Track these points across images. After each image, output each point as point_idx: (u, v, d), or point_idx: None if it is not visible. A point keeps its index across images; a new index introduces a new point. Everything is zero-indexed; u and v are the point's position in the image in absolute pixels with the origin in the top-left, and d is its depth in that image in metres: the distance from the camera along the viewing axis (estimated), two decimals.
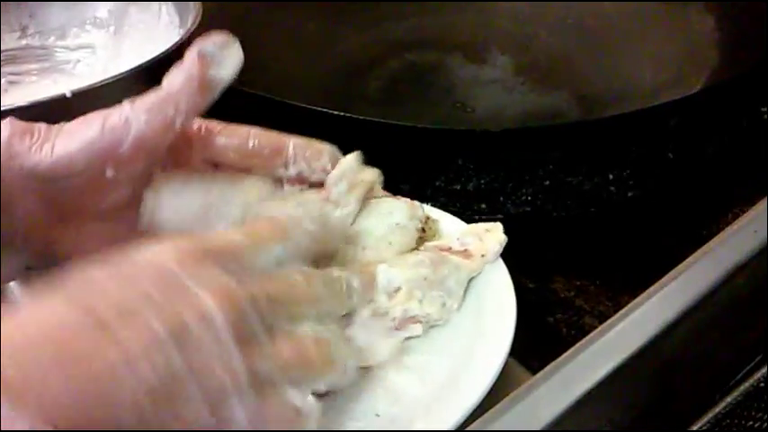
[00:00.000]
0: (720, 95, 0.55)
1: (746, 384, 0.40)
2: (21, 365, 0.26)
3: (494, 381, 0.37)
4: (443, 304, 0.40)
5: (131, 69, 0.47)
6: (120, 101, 0.41)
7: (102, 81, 0.46)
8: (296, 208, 0.40)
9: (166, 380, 0.28)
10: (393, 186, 0.47)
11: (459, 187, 0.55)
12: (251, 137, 0.40)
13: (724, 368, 0.44)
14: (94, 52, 0.60)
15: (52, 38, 0.61)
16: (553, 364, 0.37)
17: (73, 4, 0.60)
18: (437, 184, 0.55)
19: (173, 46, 0.50)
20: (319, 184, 0.41)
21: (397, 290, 0.40)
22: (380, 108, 0.66)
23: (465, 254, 0.43)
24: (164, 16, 0.57)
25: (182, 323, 0.29)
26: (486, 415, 0.35)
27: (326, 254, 0.40)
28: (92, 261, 0.30)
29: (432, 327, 0.40)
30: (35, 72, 0.60)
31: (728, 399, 0.40)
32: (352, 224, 0.42)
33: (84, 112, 0.37)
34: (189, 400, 0.29)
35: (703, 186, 0.56)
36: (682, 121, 0.54)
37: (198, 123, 0.39)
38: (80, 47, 0.60)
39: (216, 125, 0.40)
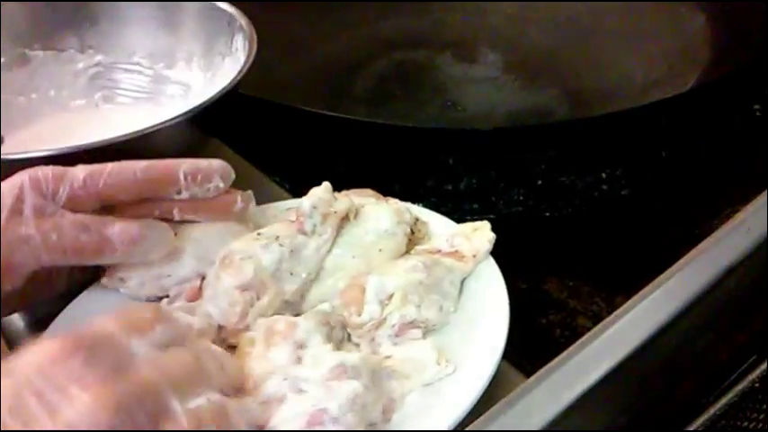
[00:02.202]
0: (713, 93, 0.55)
1: (742, 385, 0.40)
2: None
3: (487, 384, 0.36)
4: (440, 308, 0.40)
5: (181, 114, 0.47)
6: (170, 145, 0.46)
7: (160, 124, 0.46)
8: (259, 239, 0.41)
9: None
10: (383, 187, 0.47)
11: (450, 187, 0.54)
12: (138, 171, 0.41)
13: (719, 369, 0.43)
14: (188, 91, 0.58)
15: (161, 64, 0.59)
16: (546, 367, 0.36)
17: (197, 35, 0.58)
18: (428, 184, 0.55)
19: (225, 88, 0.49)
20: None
21: (390, 297, 0.39)
22: (369, 108, 0.65)
23: (456, 255, 0.42)
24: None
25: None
26: (480, 419, 0.34)
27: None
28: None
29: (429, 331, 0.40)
30: (132, 94, 0.59)
31: (724, 399, 0.40)
32: (328, 252, 0.42)
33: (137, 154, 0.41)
34: None
35: (696, 185, 0.55)
36: (674, 120, 0.53)
37: (83, 172, 0.40)
38: (179, 83, 0.58)
39: (100, 168, 0.40)
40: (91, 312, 0.42)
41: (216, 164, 0.42)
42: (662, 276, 0.41)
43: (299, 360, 0.37)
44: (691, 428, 0.38)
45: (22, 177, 0.39)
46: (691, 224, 0.51)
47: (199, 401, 0.31)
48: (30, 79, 0.58)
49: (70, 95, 0.59)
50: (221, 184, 0.42)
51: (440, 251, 0.43)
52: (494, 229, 0.44)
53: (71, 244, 0.39)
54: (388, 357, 0.38)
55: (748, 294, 0.43)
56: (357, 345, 0.40)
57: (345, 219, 0.43)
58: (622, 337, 0.38)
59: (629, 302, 0.39)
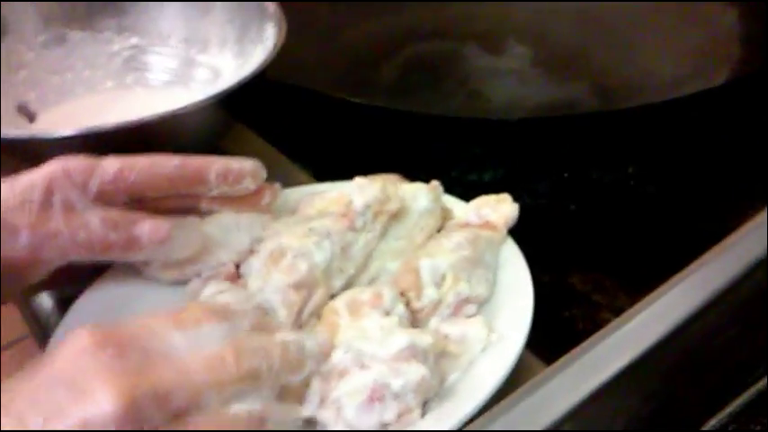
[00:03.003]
0: (743, 89, 0.54)
1: (765, 382, 0.39)
2: None
3: (510, 371, 0.36)
4: (487, 280, 0.40)
5: (210, 97, 0.47)
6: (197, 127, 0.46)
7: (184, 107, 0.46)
8: (311, 235, 0.40)
9: None
10: (408, 176, 0.47)
11: (475, 178, 0.54)
12: (169, 169, 0.40)
13: (741, 365, 0.43)
14: (218, 77, 0.58)
15: (195, 49, 0.59)
16: (568, 355, 0.36)
17: (231, 21, 0.58)
18: (452, 174, 0.55)
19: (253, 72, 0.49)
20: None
21: (443, 277, 0.39)
22: (393, 97, 0.65)
23: (487, 225, 0.42)
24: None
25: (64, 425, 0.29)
26: (501, 404, 0.34)
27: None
28: None
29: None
30: (163, 77, 0.60)
31: (745, 396, 0.39)
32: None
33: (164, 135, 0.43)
34: None
35: (724, 182, 0.55)
36: (703, 116, 0.53)
37: (113, 167, 0.40)
38: (210, 68, 0.59)
39: (131, 163, 0.40)
40: (113, 293, 0.42)
41: (248, 165, 0.42)
42: (685, 271, 0.40)
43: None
44: (712, 422, 0.37)
45: (52, 168, 0.39)
46: (716, 221, 0.50)
47: (239, 407, 0.31)
48: (66, 58, 0.58)
49: (104, 76, 0.59)
50: (252, 186, 0.42)
51: (468, 224, 0.43)
52: (518, 221, 0.44)
53: (99, 242, 0.39)
54: (445, 336, 0.38)
55: None
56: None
57: (393, 216, 0.43)
58: (644, 330, 0.38)
59: (652, 295, 0.39)
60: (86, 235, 0.39)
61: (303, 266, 0.39)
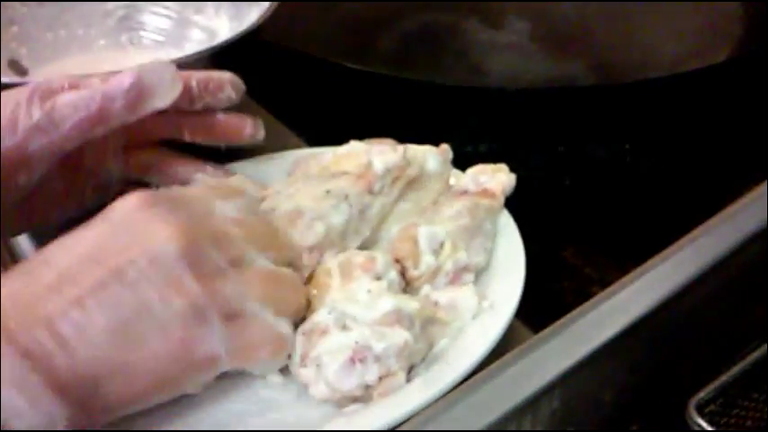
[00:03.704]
0: (743, 67, 0.54)
1: (754, 356, 0.39)
2: None
3: (498, 340, 0.36)
4: (485, 249, 0.40)
5: (199, 52, 0.47)
6: None
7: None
8: (329, 197, 0.40)
9: (119, 316, 0.30)
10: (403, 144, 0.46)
11: (470, 149, 0.53)
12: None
13: (729, 339, 0.43)
14: (213, 38, 0.57)
15: (191, 9, 0.58)
16: (556, 324, 0.36)
17: None
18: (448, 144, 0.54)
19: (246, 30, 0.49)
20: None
21: (441, 245, 0.39)
22: (391, 67, 0.64)
23: (485, 193, 0.42)
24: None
25: (129, 260, 0.31)
26: (487, 370, 0.34)
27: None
28: None
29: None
30: (157, 37, 0.59)
31: (733, 370, 0.39)
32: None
33: None
34: (148, 333, 0.30)
35: (720, 158, 0.54)
36: (702, 93, 0.52)
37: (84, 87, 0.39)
38: (205, 29, 0.58)
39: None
40: None
41: (227, 74, 0.42)
42: (675, 245, 0.40)
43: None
44: (701, 395, 0.37)
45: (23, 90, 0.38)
46: (711, 198, 0.50)
47: (264, 262, 0.35)
48: (60, 15, 0.57)
49: (97, 35, 0.58)
50: (233, 95, 0.42)
51: (467, 191, 0.42)
52: (513, 193, 0.44)
53: (75, 116, 0.37)
54: (435, 303, 0.38)
55: (763, 268, 0.43)
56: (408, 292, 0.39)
57: (412, 181, 0.42)
58: (633, 301, 0.37)
59: (642, 267, 0.39)
60: (62, 112, 0.37)
61: (320, 229, 0.39)
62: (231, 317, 0.32)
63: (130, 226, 0.32)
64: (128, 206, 0.33)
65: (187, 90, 0.41)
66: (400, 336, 0.34)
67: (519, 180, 0.45)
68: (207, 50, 0.46)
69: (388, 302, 0.35)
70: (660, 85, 0.51)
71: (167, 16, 0.59)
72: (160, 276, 0.31)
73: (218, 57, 0.46)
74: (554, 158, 0.53)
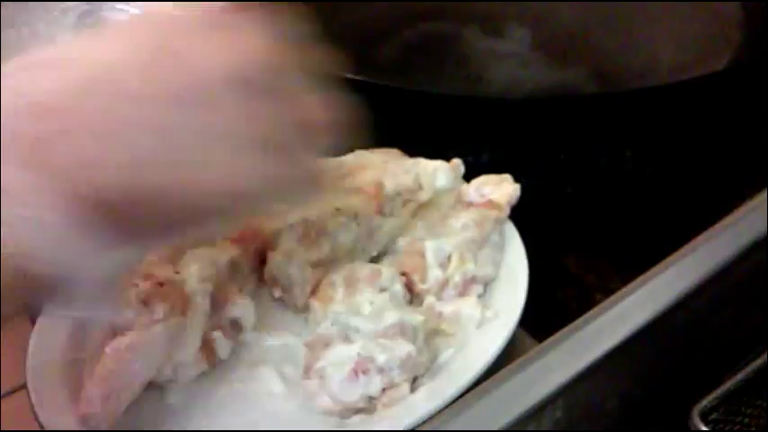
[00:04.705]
0: (744, 75, 0.54)
1: (757, 362, 0.39)
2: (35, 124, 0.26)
3: (502, 350, 0.36)
4: (493, 259, 0.40)
5: None
6: None
7: None
8: (338, 215, 0.40)
9: (179, 131, 0.27)
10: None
11: (471, 159, 0.53)
12: None
13: (732, 348, 0.43)
14: None
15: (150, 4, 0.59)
16: (559, 334, 0.36)
17: None
18: (449, 154, 0.54)
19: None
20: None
21: (449, 257, 0.39)
22: (393, 78, 0.64)
23: (490, 204, 0.42)
24: None
25: (198, 79, 0.28)
26: (491, 380, 0.34)
27: None
28: None
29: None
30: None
31: (739, 376, 0.39)
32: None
33: None
34: (204, 152, 0.28)
35: (721, 166, 0.54)
36: (703, 100, 0.52)
37: None
38: None
39: None
40: None
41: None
42: (677, 254, 0.41)
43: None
44: (701, 405, 0.37)
45: None
46: (713, 206, 0.50)
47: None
48: (19, 14, 0.59)
49: (58, 31, 0.59)
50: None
51: (472, 203, 0.43)
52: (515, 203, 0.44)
53: None
54: (439, 315, 0.38)
55: (765, 275, 0.43)
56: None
57: (422, 205, 0.42)
58: (635, 310, 0.37)
59: (644, 276, 0.39)
60: None
61: (326, 246, 0.39)
62: (272, 148, 0.30)
63: (199, 36, 0.30)
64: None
65: None
66: (403, 348, 0.34)
67: (521, 189, 0.45)
68: None
69: (392, 315, 0.35)
70: (661, 93, 0.51)
71: (127, 12, 0.59)
72: (226, 100, 0.29)
73: None
74: (555, 167, 0.53)
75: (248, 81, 0.29)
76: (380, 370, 0.33)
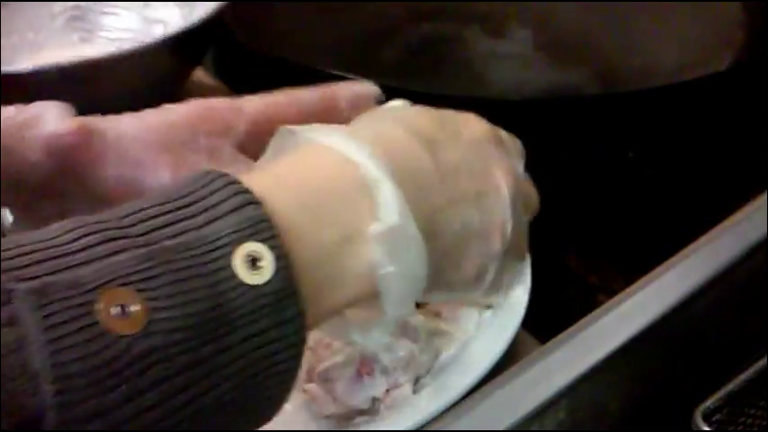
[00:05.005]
0: (746, 75, 0.54)
1: (760, 364, 0.39)
2: None
3: (504, 350, 0.36)
4: None
5: (162, 38, 0.48)
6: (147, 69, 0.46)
7: (131, 49, 0.47)
8: None
9: (461, 232, 0.29)
10: None
11: None
12: (308, 104, 0.37)
13: (735, 349, 0.43)
14: (165, 28, 0.57)
15: (140, 4, 0.59)
16: (562, 335, 0.36)
17: None
18: None
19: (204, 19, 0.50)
20: None
21: None
22: (394, 79, 0.64)
23: None
24: None
25: (486, 189, 0.31)
26: (494, 381, 0.34)
27: None
28: None
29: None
30: (111, 35, 0.60)
31: (742, 377, 0.39)
32: None
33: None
34: (468, 258, 0.30)
35: (724, 166, 0.54)
36: (705, 101, 0.52)
37: (259, 104, 0.36)
38: (157, 21, 0.59)
39: (274, 100, 0.37)
40: None
41: (371, 88, 0.39)
42: (679, 254, 0.40)
43: None
44: (704, 406, 0.37)
45: (194, 107, 0.34)
46: (716, 206, 0.50)
47: None
48: (7, 22, 0.58)
49: (47, 38, 0.59)
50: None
51: None
52: None
53: None
54: (437, 315, 0.38)
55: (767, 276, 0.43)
56: None
57: None
58: (638, 311, 0.37)
59: (647, 277, 0.39)
60: None
61: None
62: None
63: (485, 151, 0.33)
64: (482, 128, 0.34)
65: (336, 110, 0.37)
66: (406, 347, 0.34)
67: None
68: (167, 37, 0.48)
69: None
70: (663, 94, 0.51)
71: (116, 15, 0.60)
72: (497, 212, 0.31)
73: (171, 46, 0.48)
74: (557, 168, 0.53)
75: None
76: (384, 370, 0.33)
